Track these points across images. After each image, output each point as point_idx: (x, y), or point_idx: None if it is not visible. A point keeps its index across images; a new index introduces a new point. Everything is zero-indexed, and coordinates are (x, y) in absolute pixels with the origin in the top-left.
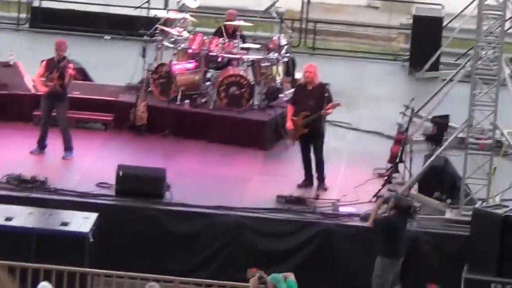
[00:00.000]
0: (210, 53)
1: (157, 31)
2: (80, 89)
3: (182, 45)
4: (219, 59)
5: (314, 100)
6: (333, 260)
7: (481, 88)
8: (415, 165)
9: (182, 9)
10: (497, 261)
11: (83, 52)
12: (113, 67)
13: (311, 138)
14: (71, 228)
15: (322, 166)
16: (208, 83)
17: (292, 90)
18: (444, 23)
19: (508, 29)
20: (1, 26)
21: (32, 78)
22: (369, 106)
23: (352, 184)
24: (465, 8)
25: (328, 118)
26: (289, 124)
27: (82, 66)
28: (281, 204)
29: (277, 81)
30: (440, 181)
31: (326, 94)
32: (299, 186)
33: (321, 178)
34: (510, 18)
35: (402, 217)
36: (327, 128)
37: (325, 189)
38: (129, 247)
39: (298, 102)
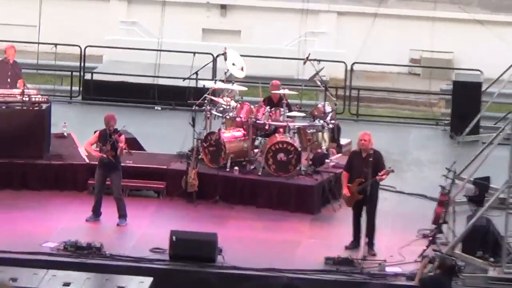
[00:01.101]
0: (258, 121)
1: (206, 101)
2: (132, 158)
3: (230, 114)
4: (266, 127)
5: (369, 167)
6: None
7: None
8: (458, 225)
9: (229, 79)
10: None
11: (135, 122)
12: (164, 136)
13: (365, 203)
14: None
15: (373, 231)
16: (256, 150)
17: (338, 155)
18: (483, 88)
19: None
20: (55, 98)
21: (84, 147)
22: (412, 169)
23: (397, 245)
24: (503, 73)
25: None
26: (345, 191)
27: (134, 136)
28: (329, 265)
29: (323, 147)
30: (483, 241)
31: (381, 161)
32: (347, 247)
33: (371, 243)
34: None
35: (447, 276)
36: None
37: (374, 254)
38: None
39: (353, 168)
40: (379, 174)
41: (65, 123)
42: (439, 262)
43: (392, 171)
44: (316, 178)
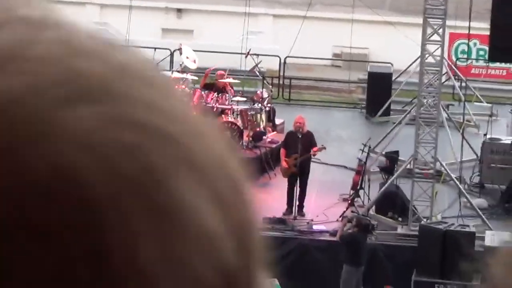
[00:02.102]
0: (207, 105)
1: None
2: None
3: None
4: (214, 110)
5: (303, 145)
6: (308, 268)
7: (424, 129)
8: (372, 191)
9: (184, 70)
10: (439, 266)
11: None
12: None
13: (300, 175)
14: None
15: (303, 196)
16: None
17: (273, 133)
18: (393, 78)
19: (444, 82)
20: None
21: None
22: (334, 145)
23: (322, 207)
24: (410, 65)
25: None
26: (283, 164)
27: None
28: (266, 224)
29: (261, 126)
30: (393, 204)
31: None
32: (284, 213)
33: (301, 205)
34: (445, 73)
35: (363, 233)
36: None
37: (303, 215)
38: None
39: (289, 146)
40: (313, 150)
41: None
42: (356, 222)
43: (324, 148)
44: (255, 152)
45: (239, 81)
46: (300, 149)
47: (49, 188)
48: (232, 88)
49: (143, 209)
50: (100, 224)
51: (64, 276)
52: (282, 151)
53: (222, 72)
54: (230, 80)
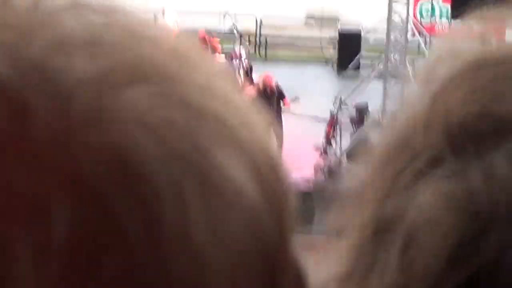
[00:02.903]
0: None
1: None
2: None
3: None
4: None
5: (273, 99)
6: None
7: (391, 83)
8: (344, 141)
9: None
10: None
11: None
12: None
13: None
14: None
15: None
16: None
17: (250, 87)
18: (362, 35)
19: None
20: None
21: None
22: (308, 98)
23: (297, 156)
24: (378, 23)
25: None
26: None
27: None
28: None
29: (239, 82)
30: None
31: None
32: None
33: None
34: (411, 30)
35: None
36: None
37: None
38: None
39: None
40: (286, 102)
41: None
42: (327, 170)
43: (298, 98)
44: None
45: (218, 39)
46: (271, 103)
47: (110, 166)
48: (217, 45)
49: (194, 184)
50: (156, 198)
51: (118, 243)
52: None
53: (203, 31)
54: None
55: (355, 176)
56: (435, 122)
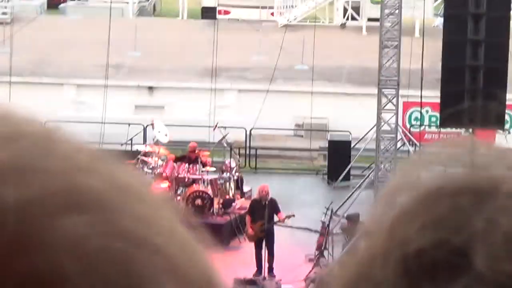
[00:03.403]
0: (179, 176)
1: (139, 161)
2: None
3: (158, 170)
4: (186, 179)
5: (267, 211)
6: None
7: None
8: (336, 251)
9: (156, 143)
10: None
11: None
12: None
13: (266, 239)
14: None
15: (272, 259)
16: (178, 197)
17: (242, 200)
18: (352, 145)
19: (399, 148)
20: None
21: None
22: (299, 209)
23: (290, 268)
24: (367, 133)
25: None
26: (249, 231)
27: None
28: (238, 285)
29: (230, 194)
30: None
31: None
32: (254, 275)
33: (270, 267)
34: (400, 139)
35: None
36: None
37: (274, 276)
38: None
39: (254, 213)
40: (280, 217)
41: None
42: (318, 281)
43: (293, 215)
44: (225, 218)
45: (208, 152)
46: (265, 215)
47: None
48: (207, 159)
49: None
50: None
51: None
52: (248, 218)
53: (194, 144)
54: (203, 152)
55: None
56: (393, 253)
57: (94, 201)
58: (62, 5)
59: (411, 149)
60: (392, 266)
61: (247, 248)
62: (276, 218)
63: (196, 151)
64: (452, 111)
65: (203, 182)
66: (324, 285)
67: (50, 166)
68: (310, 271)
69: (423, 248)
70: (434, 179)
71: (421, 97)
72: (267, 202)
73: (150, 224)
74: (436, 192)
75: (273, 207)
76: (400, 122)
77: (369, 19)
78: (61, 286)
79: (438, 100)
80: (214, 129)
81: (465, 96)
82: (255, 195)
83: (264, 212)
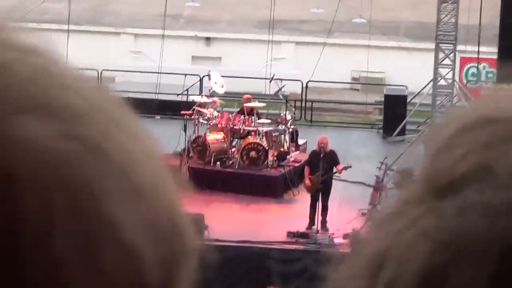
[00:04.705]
0: (234, 127)
1: (194, 112)
2: None
3: (213, 122)
4: (241, 131)
5: (326, 163)
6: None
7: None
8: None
9: (212, 94)
10: None
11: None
12: (163, 139)
13: (322, 192)
14: None
15: (326, 213)
16: (233, 149)
17: (296, 153)
18: (408, 100)
19: (455, 103)
20: None
21: None
22: (353, 163)
23: (343, 222)
24: (423, 88)
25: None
26: (307, 182)
27: None
28: (290, 238)
29: (285, 146)
30: None
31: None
32: (306, 228)
33: (324, 220)
34: (456, 95)
35: None
36: None
37: (327, 230)
38: None
39: (313, 164)
40: (337, 168)
41: None
42: (353, 237)
43: (350, 167)
44: (279, 170)
45: (264, 104)
46: (323, 167)
47: None
48: (257, 111)
49: (67, 207)
50: (21, 204)
51: None
52: (306, 169)
53: (249, 95)
54: (256, 103)
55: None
56: (433, 175)
57: (62, 109)
58: None
59: (467, 105)
60: (426, 185)
61: (301, 201)
62: (334, 170)
63: (250, 102)
64: (510, 67)
65: (258, 134)
66: (359, 242)
67: (24, 73)
68: (363, 225)
69: (465, 170)
70: (479, 109)
71: (478, 52)
72: (325, 154)
73: (120, 145)
74: (479, 120)
75: (332, 158)
76: (456, 78)
77: None
78: (10, 183)
79: (496, 56)
80: (270, 81)
81: None
82: (314, 147)
83: (322, 164)
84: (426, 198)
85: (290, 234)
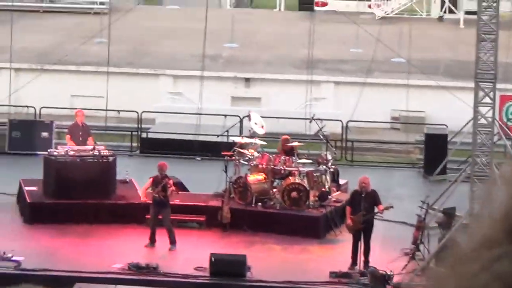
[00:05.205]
0: (275, 168)
1: (235, 153)
2: (179, 198)
3: (254, 162)
4: (282, 172)
5: (368, 203)
6: None
7: (478, 186)
8: (432, 245)
9: (252, 135)
10: None
11: (181, 169)
12: (203, 180)
13: (364, 231)
14: None
15: (368, 252)
16: (275, 189)
17: (338, 193)
18: (449, 139)
19: (496, 141)
20: (119, 152)
21: (142, 189)
22: (394, 202)
23: (385, 261)
24: (464, 127)
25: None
26: (349, 222)
27: (180, 180)
28: (333, 278)
29: (326, 187)
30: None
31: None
32: (349, 268)
33: (366, 260)
34: (497, 133)
35: (380, 285)
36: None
37: (369, 267)
38: None
39: (354, 204)
40: (380, 208)
41: (127, 171)
42: (370, 276)
43: (392, 207)
44: (321, 211)
45: (303, 144)
46: (365, 207)
47: None
48: (297, 151)
49: None
50: None
51: None
52: (348, 209)
53: (287, 136)
54: (296, 143)
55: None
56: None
57: None
58: None
59: (508, 143)
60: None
61: (343, 241)
62: (376, 210)
63: (290, 143)
64: None
65: (299, 174)
66: (376, 279)
67: None
68: (406, 264)
69: None
70: None
71: None
72: (366, 194)
73: None
74: None
75: (374, 198)
76: (497, 116)
77: (467, 12)
78: None
79: None
80: (310, 121)
81: None
82: (355, 187)
83: (364, 204)
84: (502, 240)
85: (332, 274)
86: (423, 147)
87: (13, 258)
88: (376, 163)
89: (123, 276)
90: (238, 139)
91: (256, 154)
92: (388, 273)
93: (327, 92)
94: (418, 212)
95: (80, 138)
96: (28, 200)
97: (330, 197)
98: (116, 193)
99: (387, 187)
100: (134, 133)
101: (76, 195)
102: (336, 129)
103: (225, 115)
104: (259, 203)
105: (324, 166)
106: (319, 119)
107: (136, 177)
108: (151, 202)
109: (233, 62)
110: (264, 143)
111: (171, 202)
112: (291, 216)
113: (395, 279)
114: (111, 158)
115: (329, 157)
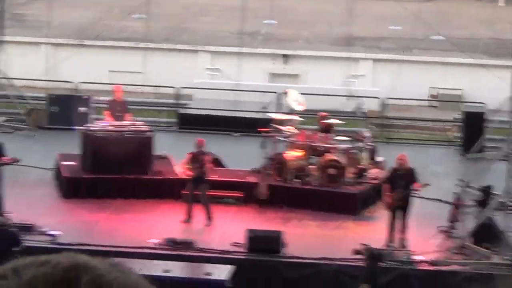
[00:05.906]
0: (313, 144)
1: (273, 129)
2: (217, 174)
3: (292, 139)
4: (320, 148)
5: (405, 181)
6: None
7: None
8: (468, 223)
9: (291, 112)
10: None
11: (219, 145)
12: (241, 156)
13: (401, 208)
14: (213, 277)
15: (405, 230)
16: (312, 166)
17: (375, 170)
18: (486, 117)
19: None
20: (157, 128)
21: (180, 166)
22: (431, 180)
23: (422, 238)
24: (502, 105)
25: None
26: (386, 199)
27: (218, 156)
28: (368, 254)
29: (363, 164)
30: (487, 235)
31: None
32: (385, 245)
33: (403, 238)
34: None
35: (376, 262)
36: None
37: (405, 246)
38: None
39: (392, 181)
40: (415, 186)
41: (164, 147)
42: (367, 253)
43: (428, 184)
44: (358, 188)
45: (342, 122)
46: (402, 184)
47: None
48: (335, 128)
49: None
50: None
51: None
52: (385, 186)
53: (324, 113)
54: (334, 120)
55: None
56: None
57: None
58: None
59: None
60: None
61: (379, 218)
62: (413, 188)
63: (327, 120)
64: None
65: (337, 151)
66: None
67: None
68: (443, 242)
69: None
70: None
71: None
72: (404, 171)
73: None
74: None
75: (411, 176)
76: None
77: None
78: None
79: None
80: (348, 98)
81: None
82: (394, 164)
83: (401, 181)
84: None
85: (368, 251)
86: (461, 125)
87: (50, 232)
88: (413, 141)
89: (159, 251)
90: (275, 116)
91: (294, 130)
92: (384, 251)
93: (366, 69)
94: (455, 190)
95: (118, 114)
96: (65, 175)
97: (367, 174)
98: (153, 169)
99: (423, 165)
100: (171, 109)
101: (113, 170)
102: (374, 106)
103: (263, 92)
104: (297, 180)
105: (362, 143)
106: (357, 96)
107: (174, 152)
108: (188, 178)
109: (272, 39)
110: (302, 119)
111: (208, 178)
112: (328, 193)
113: (432, 257)
114: (148, 134)
115: (367, 134)
